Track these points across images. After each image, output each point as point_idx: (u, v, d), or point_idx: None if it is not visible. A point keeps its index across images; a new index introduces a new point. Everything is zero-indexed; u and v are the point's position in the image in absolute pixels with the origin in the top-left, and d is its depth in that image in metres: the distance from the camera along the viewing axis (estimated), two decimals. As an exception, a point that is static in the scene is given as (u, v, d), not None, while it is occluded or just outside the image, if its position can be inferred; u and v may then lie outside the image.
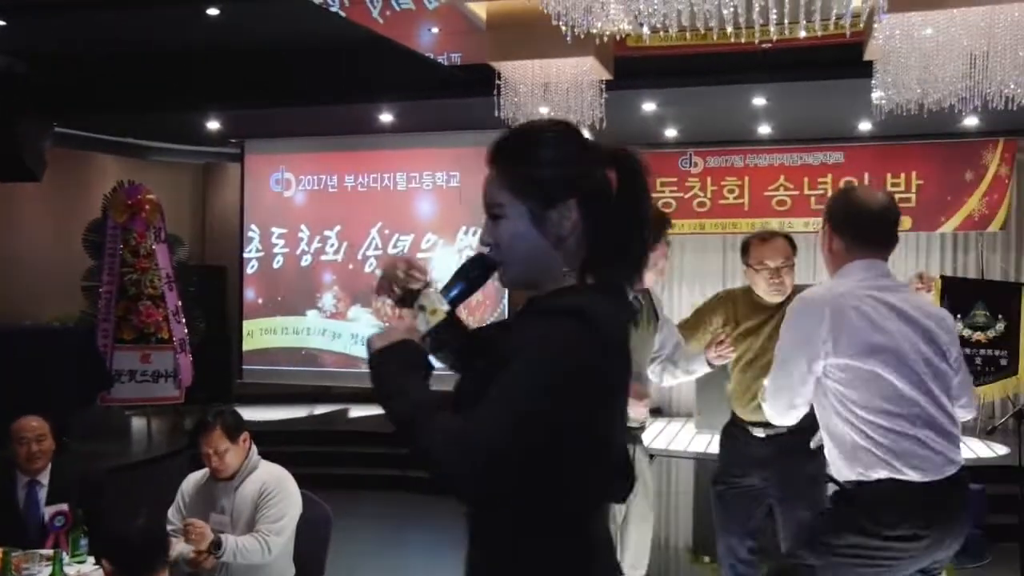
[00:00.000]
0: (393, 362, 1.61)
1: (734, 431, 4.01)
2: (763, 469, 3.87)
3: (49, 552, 3.55)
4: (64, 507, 3.89)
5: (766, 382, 2.86)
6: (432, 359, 1.69)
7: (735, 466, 3.97)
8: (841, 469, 2.68)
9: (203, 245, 12.44)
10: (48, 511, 3.92)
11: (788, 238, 3.95)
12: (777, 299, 3.85)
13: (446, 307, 1.71)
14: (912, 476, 2.55)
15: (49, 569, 3.40)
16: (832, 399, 2.64)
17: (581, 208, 1.65)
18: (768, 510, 3.96)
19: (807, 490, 3.79)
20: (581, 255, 1.67)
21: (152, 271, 9.36)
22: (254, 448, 3.81)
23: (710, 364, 3.72)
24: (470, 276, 1.74)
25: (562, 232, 1.65)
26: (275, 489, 3.67)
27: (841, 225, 2.79)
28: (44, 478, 4.15)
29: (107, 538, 2.99)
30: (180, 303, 9.60)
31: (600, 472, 1.66)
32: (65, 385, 8.41)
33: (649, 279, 3.50)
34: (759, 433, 3.86)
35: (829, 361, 2.61)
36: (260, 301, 11.44)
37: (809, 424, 2.88)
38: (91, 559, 3.53)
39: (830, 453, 2.72)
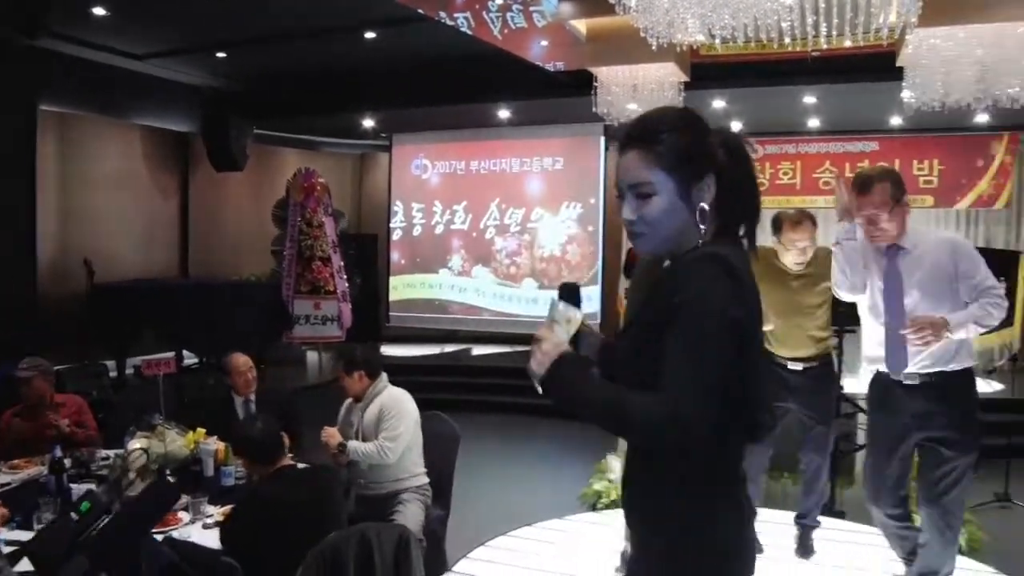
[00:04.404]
0: (562, 379, 1.47)
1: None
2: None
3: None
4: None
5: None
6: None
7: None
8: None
9: (359, 218, 12.67)
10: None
11: (812, 219, 3.97)
12: (800, 270, 3.97)
13: (579, 313, 1.55)
14: None
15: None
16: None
17: (717, 182, 1.54)
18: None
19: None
20: (716, 222, 1.55)
21: (322, 238, 9.54)
22: (383, 377, 3.91)
23: None
24: (571, 296, 1.59)
25: (704, 203, 1.52)
26: (391, 408, 3.77)
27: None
28: (252, 396, 4.43)
29: (236, 438, 3.15)
30: (342, 263, 9.78)
31: (747, 412, 1.50)
32: (259, 325, 8.75)
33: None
34: (795, 367, 4.01)
35: None
36: (403, 262, 11.62)
37: None
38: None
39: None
